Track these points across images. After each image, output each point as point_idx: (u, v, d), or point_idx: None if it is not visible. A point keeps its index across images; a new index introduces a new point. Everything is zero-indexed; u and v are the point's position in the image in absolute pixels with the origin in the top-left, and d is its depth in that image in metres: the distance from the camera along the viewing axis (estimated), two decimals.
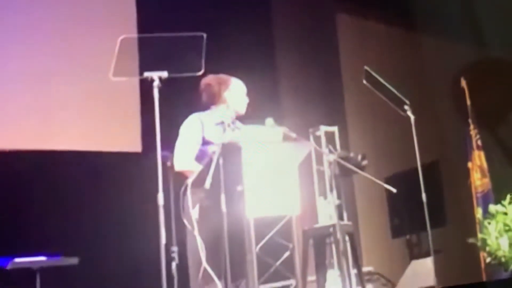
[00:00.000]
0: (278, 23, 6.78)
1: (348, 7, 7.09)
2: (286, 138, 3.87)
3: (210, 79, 3.94)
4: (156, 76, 3.31)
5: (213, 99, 3.94)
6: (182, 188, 3.64)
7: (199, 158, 3.77)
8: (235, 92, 3.95)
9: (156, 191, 3.17)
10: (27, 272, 4.32)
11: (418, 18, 6.73)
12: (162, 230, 3.13)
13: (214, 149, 3.54)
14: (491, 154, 5.90)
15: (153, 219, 3.18)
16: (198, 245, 3.50)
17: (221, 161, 3.43)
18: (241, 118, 3.98)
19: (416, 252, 6.35)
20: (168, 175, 3.71)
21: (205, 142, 3.78)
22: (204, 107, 3.95)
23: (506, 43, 6.06)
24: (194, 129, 3.81)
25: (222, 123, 3.82)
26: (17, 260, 4.29)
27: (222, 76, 3.99)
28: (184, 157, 3.77)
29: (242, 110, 3.96)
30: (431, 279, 4.83)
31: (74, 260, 4.51)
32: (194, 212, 3.60)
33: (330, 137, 5.57)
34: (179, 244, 3.77)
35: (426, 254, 5.13)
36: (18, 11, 5.41)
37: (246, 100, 3.98)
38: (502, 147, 6.22)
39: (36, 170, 5.04)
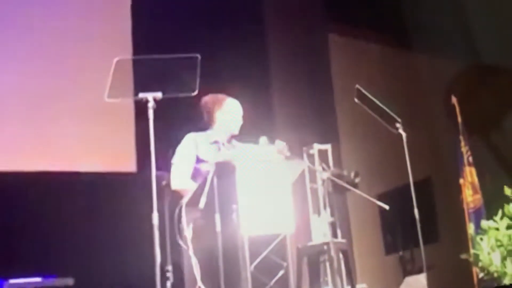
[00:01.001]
0: (271, 43, 6.85)
1: (340, 27, 7.19)
2: (279, 156, 3.90)
3: (206, 98, 4.00)
4: (151, 97, 3.33)
5: (207, 118, 3.99)
6: (177, 208, 3.67)
7: (195, 177, 3.80)
8: (227, 112, 3.99)
9: (151, 210, 3.19)
10: None
11: (409, 37, 6.82)
12: (157, 250, 3.14)
13: (208, 168, 3.58)
14: (483, 170, 5.95)
15: (148, 238, 3.20)
16: (193, 264, 3.52)
17: (215, 180, 3.46)
18: (236, 137, 4.02)
19: (410, 269, 6.37)
20: (163, 195, 3.74)
21: (199, 161, 3.82)
22: (203, 126, 4.00)
23: (498, 59, 6.14)
24: (188, 149, 3.86)
25: (216, 142, 3.86)
26: (12, 281, 4.29)
27: (219, 96, 4.03)
28: (180, 176, 3.80)
29: (234, 131, 3.98)
30: None
31: (69, 281, 4.51)
32: (188, 232, 3.63)
33: (323, 155, 5.61)
34: (174, 263, 3.78)
35: (419, 271, 5.15)
36: (13, 32, 5.46)
37: (239, 120, 4.00)
38: (493, 158, 6.28)
39: (31, 191, 5.05)
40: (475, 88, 6.24)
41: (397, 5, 6.72)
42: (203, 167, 3.77)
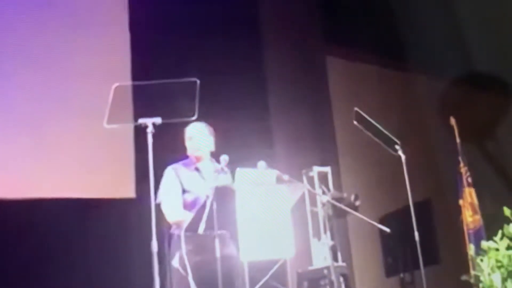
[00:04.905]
0: (270, 66, 6.88)
1: (338, 49, 7.24)
2: (279, 180, 3.89)
3: None
4: (150, 122, 3.34)
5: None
6: (167, 236, 3.67)
7: (186, 207, 3.81)
8: (189, 138, 4.01)
9: (150, 237, 3.18)
10: None
11: (407, 59, 6.87)
12: (156, 277, 3.13)
13: (194, 197, 3.59)
14: (482, 190, 5.95)
15: (147, 265, 3.19)
16: None
17: (214, 205, 3.46)
18: (233, 161, 4.01)
19: None
20: (162, 220, 3.73)
21: (185, 192, 3.83)
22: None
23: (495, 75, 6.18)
24: (171, 182, 3.88)
25: (198, 170, 3.87)
26: None
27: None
28: (173, 209, 3.81)
29: (198, 154, 3.96)
30: None
31: None
32: (187, 258, 3.62)
33: (323, 177, 5.60)
34: None
35: None
36: (12, 56, 5.49)
37: (201, 143, 3.97)
38: (492, 182, 6.28)
39: (29, 218, 5.03)
40: (473, 107, 6.27)
41: (394, 27, 6.77)
42: (190, 196, 3.79)
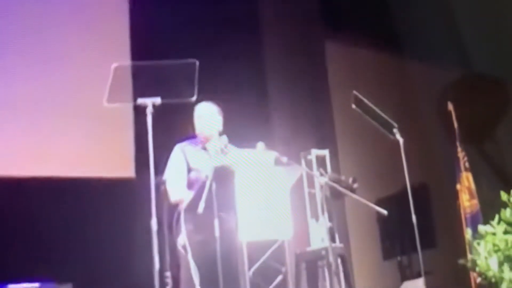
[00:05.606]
0: (269, 51, 6.88)
1: (337, 34, 7.23)
2: (277, 162, 3.91)
3: None
4: (150, 102, 3.35)
5: (193, 126, 4.04)
6: (175, 214, 3.68)
7: (190, 186, 3.82)
8: (198, 116, 4.01)
9: (150, 216, 3.19)
10: None
11: (405, 44, 6.87)
12: (156, 255, 3.15)
13: (200, 175, 3.60)
14: (479, 175, 5.98)
15: (147, 244, 3.20)
16: (192, 269, 3.53)
17: (214, 185, 3.47)
18: (233, 142, 4.03)
19: (407, 274, 6.39)
20: (162, 200, 3.74)
21: (190, 170, 3.85)
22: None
23: (490, 64, 6.19)
24: (178, 160, 3.90)
25: (205, 149, 3.89)
26: (11, 286, 4.29)
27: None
28: (177, 188, 3.82)
29: (207, 133, 3.96)
30: None
31: (67, 287, 4.51)
32: (187, 237, 3.64)
33: (321, 160, 5.62)
34: (173, 268, 3.78)
35: (417, 276, 5.17)
36: (11, 37, 5.47)
37: (210, 122, 3.97)
38: (489, 166, 6.31)
39: (29, 196, 5.05)
40: (469, 94, 6.28)
41: (393, 13, 6.78)
42: (196, 175, 3.80)
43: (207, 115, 3.97)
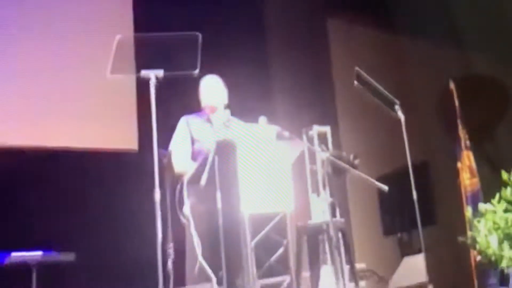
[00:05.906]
0: (271, 27, 6.87)
1: (338, 12, 7.20)
2: (279, 136, 3.91)
3: None
4: (153, 74, 3.35)
5: (198, 98, 4.09)
6: (178, 185, 3.70)
7: (194, 157, 3.84)
8: (204, 87, 4.07)
9: (153, 188, 3.20)
10: (24, 268, 4.35)
11: (407, 22, 6.84)
12: (159, 227, 3.17)
13: (205, 147, 3.62)
14: (480, 153, 5.98)
15: (150, 215, 3.22)
16: (194, 241, 3.55)
17: (216, 158, 3.48)
18: (235, 116, 4.04)
19: (408, 250, 6.41)
20: (164, 173, 3.76)
21: (195, 142, 3.86)
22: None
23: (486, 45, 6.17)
24: (183, 132, 3.94)
25: (209, 121, 3.90)
26: (14, 254, 4.32)
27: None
28: (181, 159, 3.84)
29: (213, 104, 4.01)
30: (423, 276, 4.90)
31: (70, 256, 4.54)
32: (190, 209, 3.66)
33: (322, 137, 5.61)
34: (175, 240, 3.80)
35: (418, 251, 5.20)
36: (13, 9, 5.44)
37: (216, 94, 4.03)
38: (490, 147, 6.31)
39: (32, 167, 5.07)
40: (470, 66, 6.28)
41: None
42: (199, 146, 3.82)
43: (214, 86, 4.05)
